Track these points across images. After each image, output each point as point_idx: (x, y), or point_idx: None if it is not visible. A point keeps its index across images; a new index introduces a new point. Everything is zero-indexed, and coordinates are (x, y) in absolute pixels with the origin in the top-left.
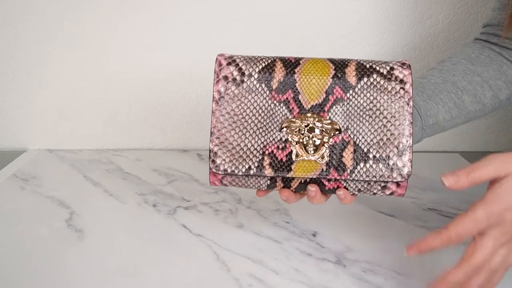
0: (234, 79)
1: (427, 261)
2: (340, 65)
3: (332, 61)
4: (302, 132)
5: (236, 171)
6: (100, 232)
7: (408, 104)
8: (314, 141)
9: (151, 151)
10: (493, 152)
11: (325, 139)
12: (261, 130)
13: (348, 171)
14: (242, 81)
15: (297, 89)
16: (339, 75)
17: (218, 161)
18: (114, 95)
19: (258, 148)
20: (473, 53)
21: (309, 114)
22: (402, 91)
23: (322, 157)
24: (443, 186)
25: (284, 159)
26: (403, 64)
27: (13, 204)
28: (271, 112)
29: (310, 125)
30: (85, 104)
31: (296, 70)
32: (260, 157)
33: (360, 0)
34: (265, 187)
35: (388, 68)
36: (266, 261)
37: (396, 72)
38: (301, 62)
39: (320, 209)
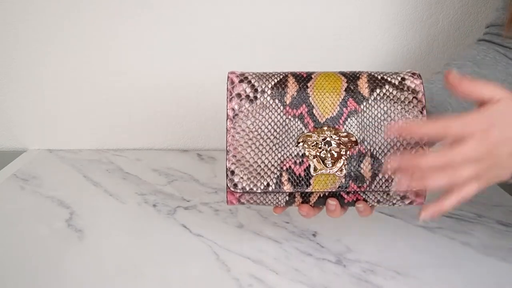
0: (248, 96)
1: (427, 261)
2: (351, 78)
3: (343, 74)
4: (320, 146)
5: (254, 189)
6: (100, 232)
7: (421, 113)
8: (333, 154)
9: (151, 151)
10: None
11: (343, 152)
12: (277, 146)
13: (367, 182)
14: (256, 98)
15: (311, 103)
16: (352, 88)
17: (236, 179)
18: (114, 95)
19: (276, 164)
20: (478, 55)
21: (325, 128)
22: (415, 101)
23: (341, 170)
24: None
25: (302, 174)
26: (413, 74)
27: (13, 204)
28: (286, 128)
29: (327, 139)
30: (85, 104)
31: (308, 85)
32: (278, 173)
33: (360, 0)
34: (284, 203)
35: (399, 78)
36: (266, 261)
37: (407, 82)
38: (313, 76)
39: None
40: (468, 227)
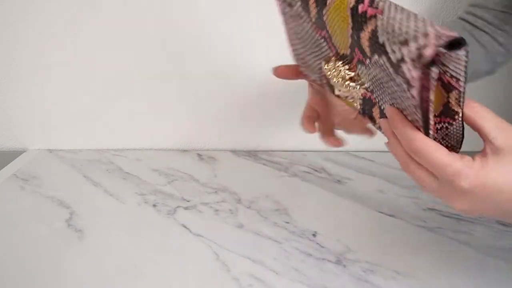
0: (285, 0)
1: (427, 261)
2: (357, 26)
3: (353, 17)
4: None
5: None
6: (100, 232)
7: (416, 110)
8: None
9: (151, 151)
10: None
11: (358, 87)
12: (312, 55)
13: (377, 126)
14: (292, 4)
15: (329, 34)
16: (355, 37)
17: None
18: (114, 95)
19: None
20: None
21: (340, 63)
22: (408, 93)
23: (359, 104)
24: None
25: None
26: (420, 55)
27: (13, 204)
28: (317, 43)
29: (341, 73)
30: (85, 104)
31: (323, 13)
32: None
33: None
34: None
35: (399, 56)
36: (266, 261)
37: (404, 68)
38: (327, 3)
39: (320, 209)
40: (468, 227)
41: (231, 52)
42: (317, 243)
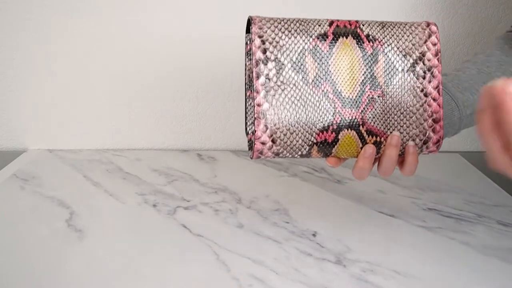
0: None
1: (427, 261)
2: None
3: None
4: None
5: None
6: (100, 232)
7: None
8: None
9: (151, 151)
10: None
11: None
12: None
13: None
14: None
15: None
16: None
17: None
18: (114, 95)
19: None
20: (506, 44)
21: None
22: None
23: None
24: None
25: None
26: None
27: (13, 204)
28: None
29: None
30: (85, 104)
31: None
32: None
33: (358, 0)
34: None
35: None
36: (266, 261)
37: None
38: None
39: (320, 209)
40: (468, 227)
41: (231, 49)
42: (317, 243)
